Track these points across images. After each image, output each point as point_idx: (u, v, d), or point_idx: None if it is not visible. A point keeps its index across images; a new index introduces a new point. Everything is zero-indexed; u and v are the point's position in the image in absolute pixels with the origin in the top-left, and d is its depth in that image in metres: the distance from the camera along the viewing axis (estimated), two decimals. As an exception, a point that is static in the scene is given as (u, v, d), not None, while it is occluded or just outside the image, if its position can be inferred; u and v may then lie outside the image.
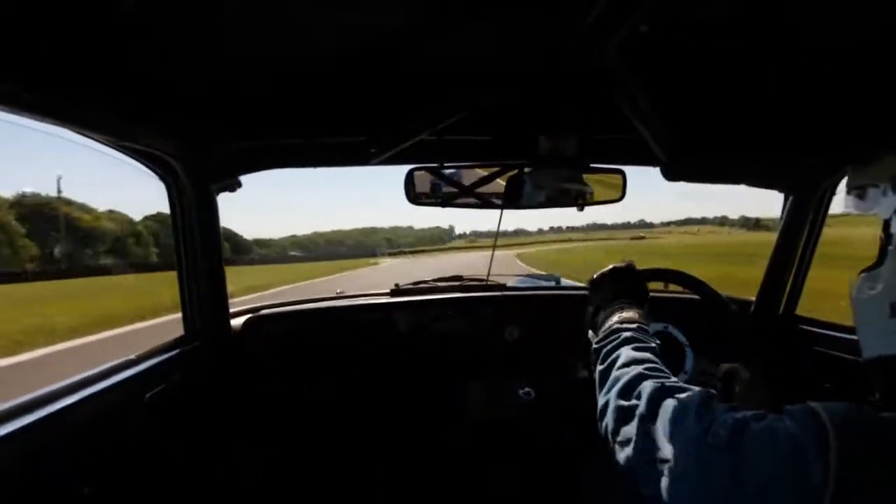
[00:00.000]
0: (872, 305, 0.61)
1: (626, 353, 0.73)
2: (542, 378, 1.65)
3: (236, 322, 1.55)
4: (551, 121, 1.25)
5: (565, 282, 2.83)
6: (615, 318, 0.85)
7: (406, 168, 1.43)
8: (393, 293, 1.82)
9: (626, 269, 1.00)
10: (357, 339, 1.66)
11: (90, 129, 0.90)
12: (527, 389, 1.61)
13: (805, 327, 1.46)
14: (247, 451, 1.53)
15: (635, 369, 0.67)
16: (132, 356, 1.14)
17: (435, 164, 1.42)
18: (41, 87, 0.71)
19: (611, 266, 1.00)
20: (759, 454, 0.48)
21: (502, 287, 2.01)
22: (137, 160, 1.17)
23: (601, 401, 0.69)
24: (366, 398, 1.66)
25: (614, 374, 0.70)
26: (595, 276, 1.00)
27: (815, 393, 0.95)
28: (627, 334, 0.77)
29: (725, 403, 0.58)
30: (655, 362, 0.70)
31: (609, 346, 0.77)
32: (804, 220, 1.43)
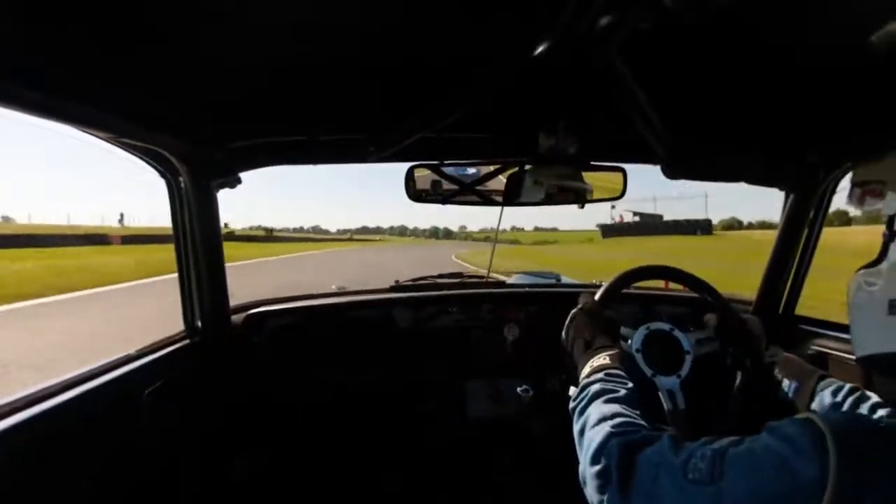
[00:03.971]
0: (870, 302, 0.61)
1: (595, 410, 0.72)
2: (541, 376, 1.65)
3: (236, 318, 1.55)
4: (551, 119, 1.25)
5: (565, 279, 2.83)
6: (586, 369, 0.85)
7: (406, 165, 1.43)
8: (393, 289, 1.83)
9: (581, 312, 1.00)
10: (357, 335, 1.66)
11: (91, 126, 0.90)
12: (525, 387, 1.62)
13: (805, 326, 1.46)
14: (246, 446, 1.54)
15: (603, 429, 0.67)
16: (132, 352, 1.14)
17: (435, 162, 1.42)
18: (43, 86, 0.71)
19: (570, 314, 1.01)
20: (741, 477, 0.48)
21: (502, 284, 2.01)
22: (138, 156, 1.17)
23: (580, 468, 0.68)
24: (365, 394, 1.67)
25: (585, 437, 0.69)
26: (563, 333, 1.01)
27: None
28: (595, 387, 0.77)
29: (714, 396, 0.57)
30: (624, 414, 0.69)
31: (580, 406, 0.76)
32: (804, 219, 1.42)
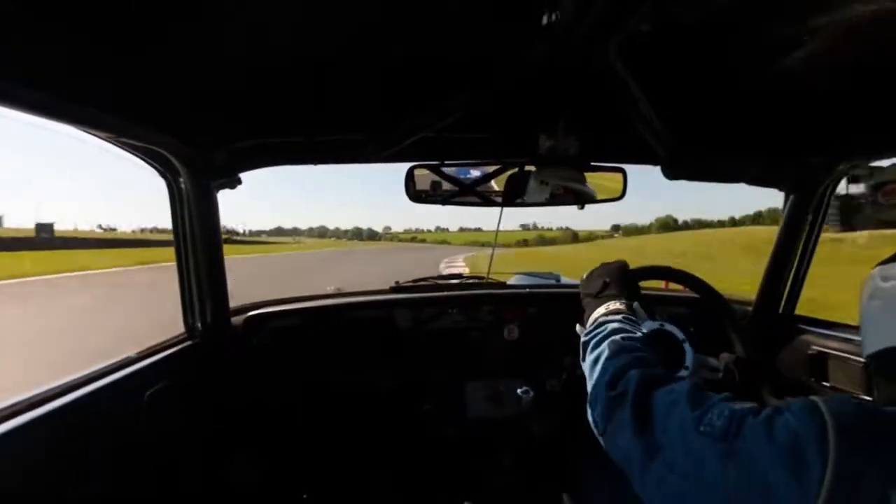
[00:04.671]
0: (888, 296, 0.60)
1: (612, 344, 0.72)
2: (541, 377, 1.65)
3: (236, 319, 1.55)
4: (551, 119, 1.25)
5: (565, 280, 2.83)
6: (601, 309, 0.85)
7: (407, 166, 1.43)
8: (393, 290, 1.83)
9: (615, 265, 1.00)
10: (357, 336, 1.66)
11: (91, 126, 0.90)
12: (525, 388, 1.62)
13: (805, 326, 1.46)
14: (246, 447, 1.54)
15: (622, 359, 0.67)
16: (132, 354, 1.14)
17: (435, 162, 1.42)
18: (43, 86, 0.71)
19: (601, 263, 1.01)
20: (756, 447, 0.48)
21: (502, 285, 2.01)
22: (138, 156, 1.17)
23: (590, 392, 0.69)
24: (365, 395, 1.66)
25: (601, 365, 0.70)
26: (586, 274, 1.01)
27: (814, 392, 0.96)
28: (614, 325, 0.77)
29: (723, 393, 0.57)
30: (642, 351, 0.70)
31: (596, 339, 0.77)
32: (804, 219, 1.42)
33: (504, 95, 0.99)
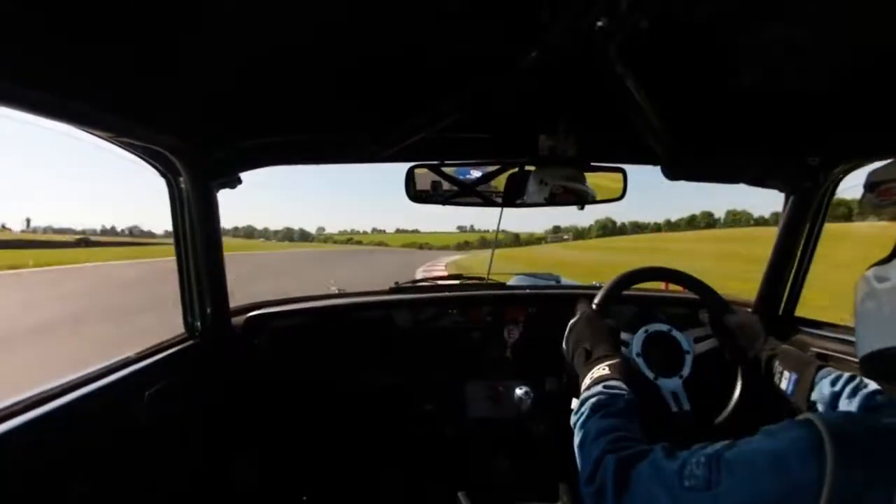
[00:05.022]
0: (882, 298, 0.60)
1: (593, 425, 0.73)
2: (541, 377, 1.65)
3: (236, 320, 1.55)
4: (551, 119, 1.25)
5: (565, 281, 2.83)
6: (588, 380, 0.86)
7: (407, 165, 1.43)
8: (393, 291, 1.83)
9: (582, 319, 1.00)
10: (357, 336, 1.66)
11: (91, 125, 0.90)
12: (526, 389, 1.62)
13: (805, 327, 1.46)
14: (247, 447, 1.54)
15: (599, 445, 0.68)
16: (132, 354, 1.14)
17: (436, 162, 1.42)
18: (43, 86, 0.71)
19: (569, 323, 1.02)
20: (739, 482, 0.48)
21: (502, 286, 2.01)
22: (138, 156, 1.17)
23: (579, 483, 0.69)
24: (365, 395, 1.66)
25: (584, 451, 0.71)
26: (564, 341, 1.02)
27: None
28: (594, 401, 0.78)
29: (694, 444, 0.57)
30: (620, 428, 0.70)
31: (580, 420, 0.77)
32: (804, 219, 1.42)
33: (504, 95, 0.99)
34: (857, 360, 0.70)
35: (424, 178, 1.47)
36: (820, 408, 0.85)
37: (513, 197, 1.46)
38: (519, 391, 1.62)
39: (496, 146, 1.39)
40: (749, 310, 1.60)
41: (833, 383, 0.83)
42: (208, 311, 1.35)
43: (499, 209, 1.60)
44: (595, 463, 0.65)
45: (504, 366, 1.68)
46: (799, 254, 1.48)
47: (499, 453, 1.74)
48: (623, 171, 1.47)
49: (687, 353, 1.10)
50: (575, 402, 0.86)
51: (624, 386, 0.80)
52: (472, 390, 1.68)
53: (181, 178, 1.24)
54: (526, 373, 1.66)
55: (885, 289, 0.60)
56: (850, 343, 1.27)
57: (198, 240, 1.29)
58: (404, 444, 1.71)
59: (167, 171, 1.24)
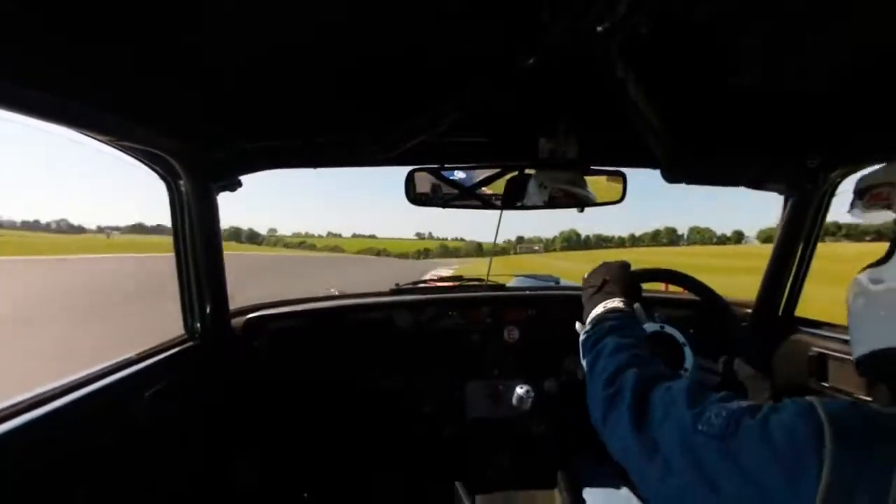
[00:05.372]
0: (875, 299, 0.60)
1: (610, 342, 0.72)
2: (542, 378, 1.65)
3: (236, 321, 1.55)
4: (551, 121, 1.25)
5: (565, 282, 2.83)
6: (600, 308, 0.85)
7: (407, 169, 1.44)
8: (393, 292, 1.83)
9: (616, 264, 1.00)
10: (357, 338, 1.66)
11: (91, 128, 0.91)
12: (526, 389, 1.62)
13: (805, 328, 1.46)
14: (246, 448, 1.54)
15: (620, 357, 0.67)
16: (132, 355, 1.14)
17: (436, 165, 1.43)
18: (43, 87, 0.71)
19: (603, 261, 1.01)
20: (752, 448, 0.48)
21: (501, 287, 2.01)
22: (138, 159, 1.17)
23: (589, 391, 0.69)
24: (365, 396, 1.66)
25: (600, 363, 0.70)
26: (587, 273, 1.01)
27: (815, 394, 0.96)
28: (613, 322, 0.77)
29: (720, 392, 0.56)
30: (641, 350, 0.70)
31: (595, 337, 0.77)
32: (804, 221, 1.43)
33: (504, 97, 0.99)
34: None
35: (424, 181, 1.47)
36: None
37: (513, 200, 1.46)
38: (519, 391, 1.62)
39: (496, 149, 1.39)
40: (749, 310, 1.60)
41: None
42: (208, 312, 1.36)
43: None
44: (615, 371, 0.64)
45: (504, 366, 1.68)
46: (798, 255, 1.48)
47: (499, 453, 1.74)
48: (623, 175, 1.47)
49: (684, 346, 1.10)
50: (580, 327, 0.86)
51: (638, 325, 0.79)
52: (471, 390, 1.68)
53: (181, 181, 1.24)
54: (526, 373, 1.66)
55: (880, 290, 0.60)
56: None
57: (197, 242, 1.29)
58: (404, 444, 1.71)
59: (167, 174, 1.25)
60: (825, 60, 0.84)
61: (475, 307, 1.71)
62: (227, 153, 1.27)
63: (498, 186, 1.49)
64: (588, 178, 1.44)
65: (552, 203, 1.43)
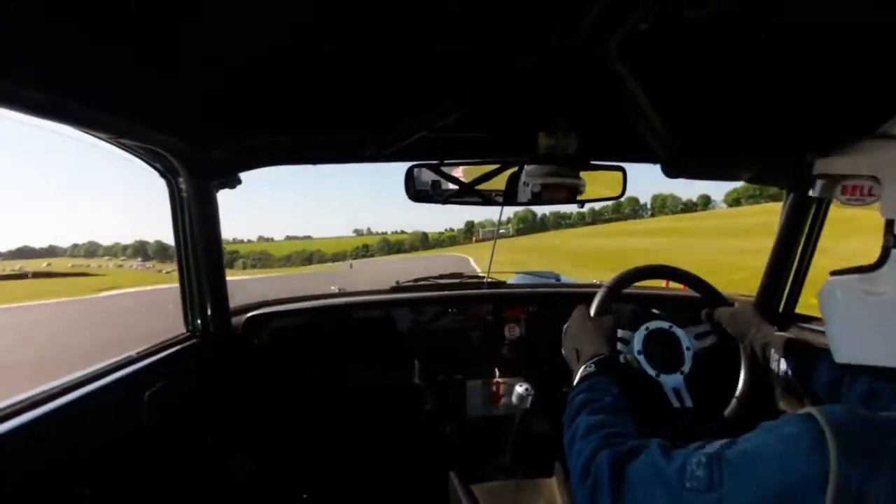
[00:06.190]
0: (877, 311, 0.59)
1: (582, 422, 0.72)
2: (542, 376, 1.65)
3: (237, 319, 1.55)
4: (551, 118, 1.25)
5: (565, 279, 2.83)
6: (577, 378, 0.86)
7: (406, 165, 1.43)
8: (393, 290, 1.83)
9: (576, 319, 1.02)
10: (357, 336, 1.66)
11: (91, 126, 0.90)
12: (526, 387, 1.62)
13: (805, 325, 1.46)
14: (247, 446, 1.54)
15: (591, 440, 0.66)
16: (132, 354, 1.14)
17: (435, 161, 1.42)
18: (43, 86, 0.71)
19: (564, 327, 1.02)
20: (742, 481, 0.48)
21: (502, 285, 2.01)
22: (138, 156, 1.17)
23: (571, 477, 0.68)
24: (366, 394, 1.67)
25: (575, 447, 0.69)
26: (564, 328, 1.03)
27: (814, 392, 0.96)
28: (582, 395, 0.78)
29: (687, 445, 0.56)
30: (610, 418, 0.70)
31: (570, 413, 0.77)
32: (804, 217, 1.42)
33: (504, 95, 0.99)
34: None
35: (424, 176, 1.47)
36: (820, 393, 0.84)
37: (512, 195, 1.46)
38: (519, 388, 1.62)
39: (496, 145, 1.39)
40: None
41: (832, 369, 0.82)
42: (209, 310, 1.36)
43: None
44: (588, 459, 0.64)
45: (504, 364, 1.69)
46: (799, 251, 1.48)
47: (499, 451, 1.75)
48: (623, 170, 1.47)
49: (688, 350, 1.11)
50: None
51: (609, 381, 0.80)
52: (472, 388, 1.69)
53: (181, 179, 1.24)
54: (526, 371, 1.66)
55: (877, 302, 0.59)
56: None
57: (198, 240, 1.29)
58: (404, 442, 1.72)
59: (167, 172, 1.25)
60: (826, 59, 0.84)
61: (475, 305, 1.72)
62: (226, 151, 1.27)
63: (498, 182, 1.49)
64: (587, 174, 1.44)
65: (551, 199, 1.43)
